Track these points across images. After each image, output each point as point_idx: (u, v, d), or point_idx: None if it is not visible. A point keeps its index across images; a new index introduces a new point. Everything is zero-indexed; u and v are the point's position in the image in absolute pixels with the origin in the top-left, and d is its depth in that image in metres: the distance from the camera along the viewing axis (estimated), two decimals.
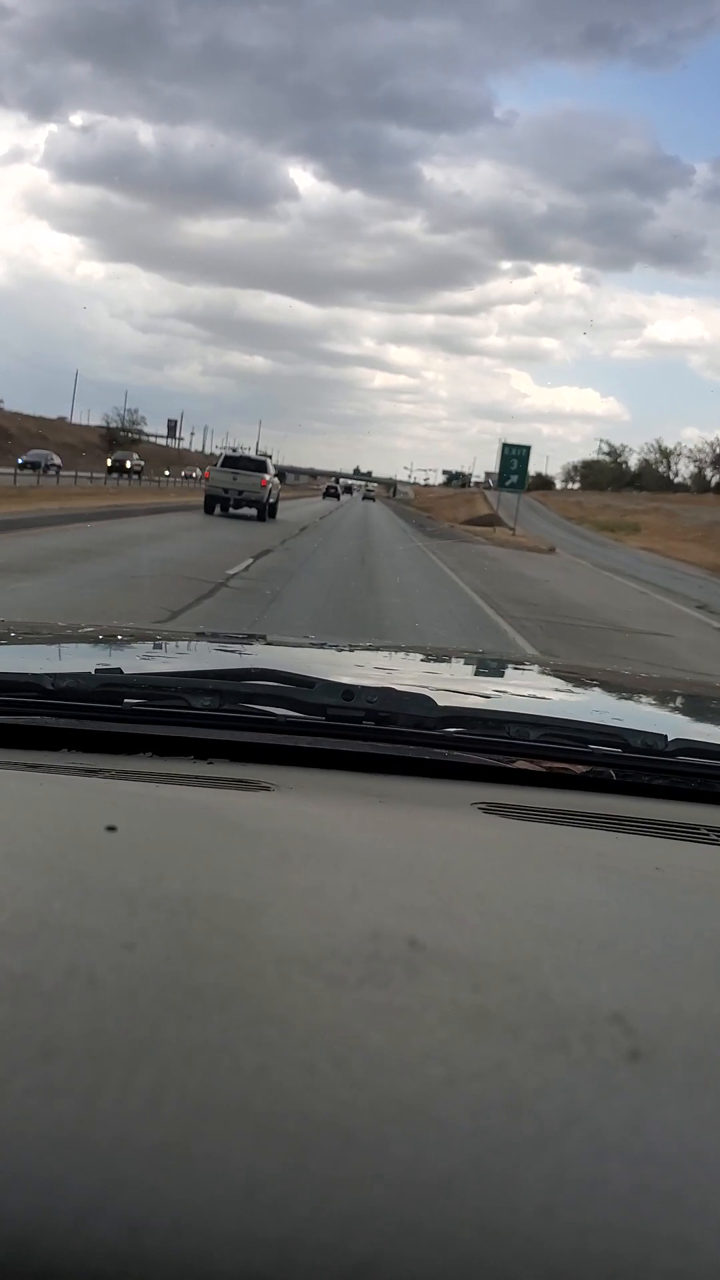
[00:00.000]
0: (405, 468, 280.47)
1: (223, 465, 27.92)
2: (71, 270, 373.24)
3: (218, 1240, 0.36)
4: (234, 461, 28.13)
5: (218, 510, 26.20)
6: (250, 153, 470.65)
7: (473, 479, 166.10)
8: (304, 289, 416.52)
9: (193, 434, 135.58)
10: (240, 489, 26.39)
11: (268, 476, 27.13)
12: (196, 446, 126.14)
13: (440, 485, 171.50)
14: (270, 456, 33.48)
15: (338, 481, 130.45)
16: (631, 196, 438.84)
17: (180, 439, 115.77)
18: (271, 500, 27.45)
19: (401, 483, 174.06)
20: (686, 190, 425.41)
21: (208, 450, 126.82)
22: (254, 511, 26.42)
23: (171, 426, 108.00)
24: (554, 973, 0.59)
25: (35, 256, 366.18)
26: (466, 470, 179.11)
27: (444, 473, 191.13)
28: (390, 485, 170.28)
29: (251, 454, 31.83)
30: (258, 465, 27.87)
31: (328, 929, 0.61)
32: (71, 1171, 0.38)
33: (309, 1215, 0.37)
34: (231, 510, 26.20)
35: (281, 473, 33.69)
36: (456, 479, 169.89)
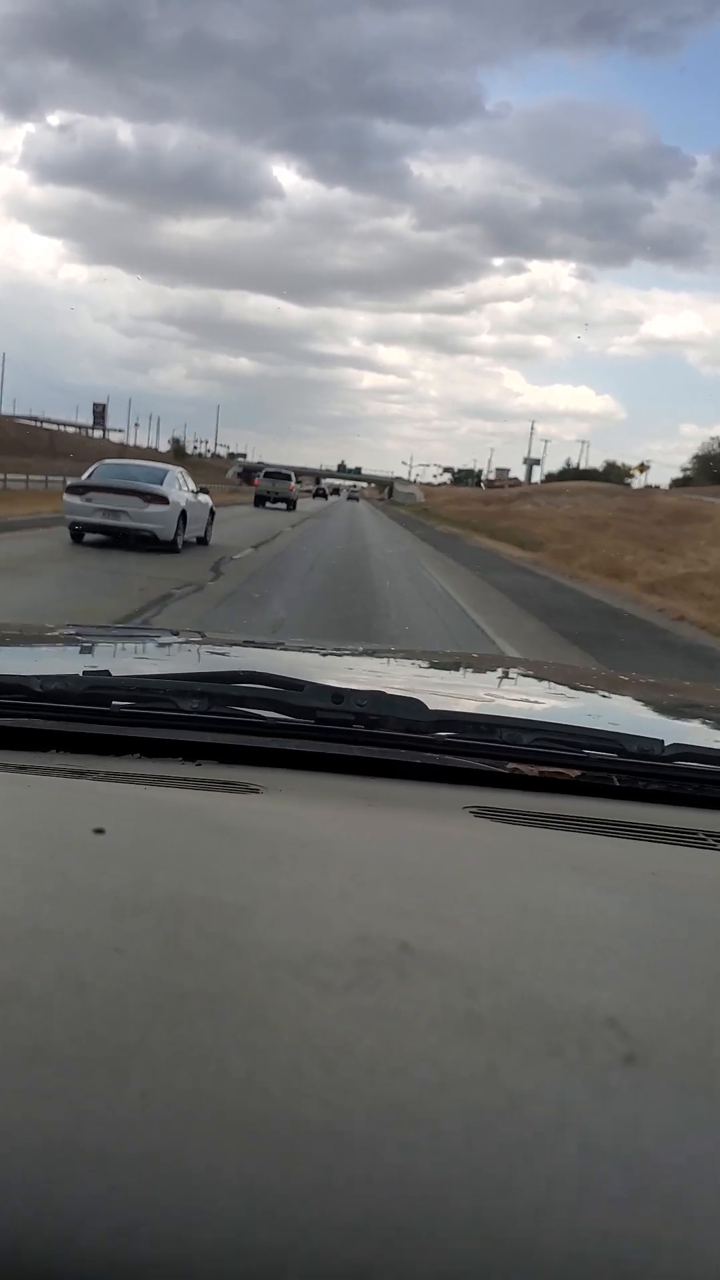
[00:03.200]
0: (404, 463, 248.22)
1: (265, 476, 45.31)
2: (54, 274, 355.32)
3: (209, 1246, 0.36)
4: (272, 475, 45.32)
5: (259, 505, 41.63)
6: (233, 150, 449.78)
7: (483, 476, 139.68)
8: (290, 289, 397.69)
9: (137, 425, 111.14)
10: (277, 491, 42.88)
11: (293, 483, 44.83)
12: (142, 441, 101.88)
13: (445, 485, 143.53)
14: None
15: (318, 482, 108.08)
16: (629, 189, 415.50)
17: (116, 430, 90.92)
18: (293, 498, 43.88)
19: (402, 480, 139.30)
20: (687, 182, 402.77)
21: (162, 447, 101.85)
22: (283, 505, 42.33)
23: (98, 413, 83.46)
24: (547, 977, 0.59)
25: (17, 261, 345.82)
26: (463, 467, 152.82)
27: (444, 469, 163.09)
28: (385, 485, 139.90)
29: (282, 467, 51.06)
30: (286, 477, 45.14)
31: (317, 933, 0.61)
32: (61, 1178, 0.38)
33: (300, 1221, 0.37)
34: (269, 505, 41.45)
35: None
36: (471, 477, 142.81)
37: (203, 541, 15.59)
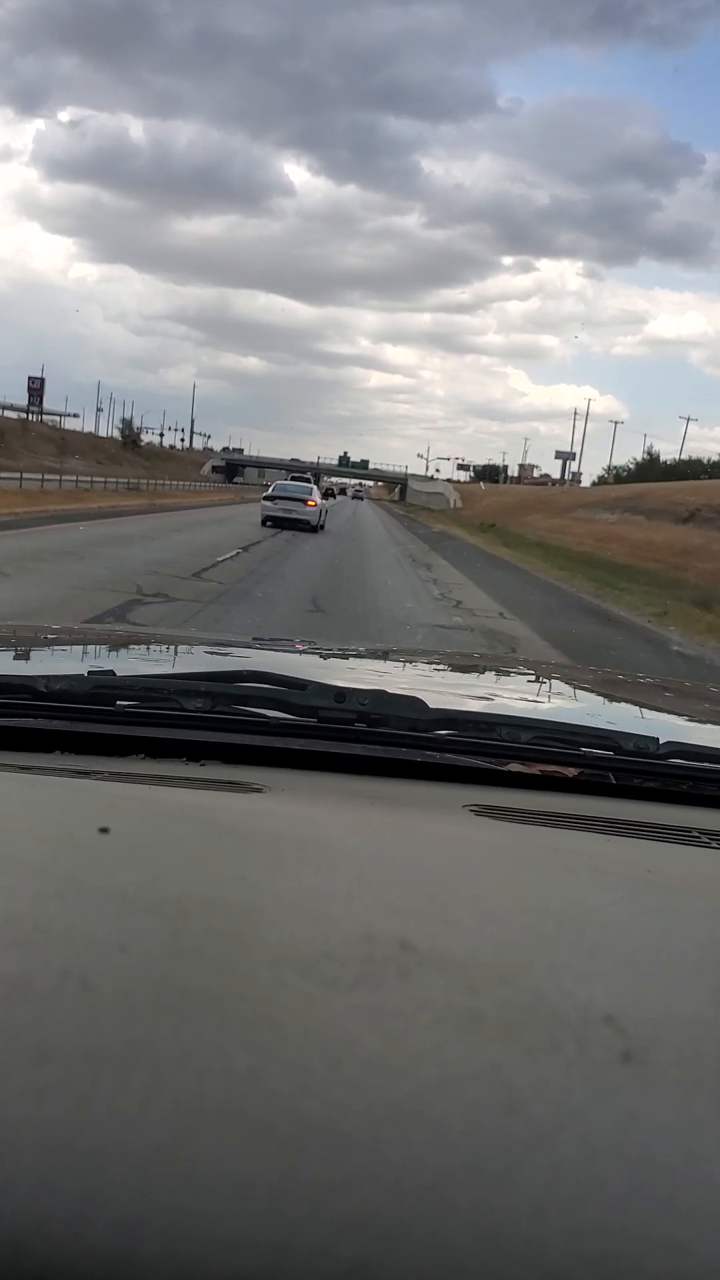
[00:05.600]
0: (420, 455, 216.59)
1: (291, 479, 53.01)
2: (64, 273, 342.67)
3: (211, 1243, 0.36)
4: (297, 479, 52.32)
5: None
6: (244, 147, 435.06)
7: (507, 473, 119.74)
8: (299, 288, 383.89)
9: (100, 410, 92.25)
10: None
11: (310, 484, 59.66)
12: (105, 430, 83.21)
13: (463, 483, 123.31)
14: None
15: (318, 480, 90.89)
16: (638, 187, 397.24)
17: (71, 415, 72.38)
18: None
19: (418, 478, 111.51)
20: (696, 180, 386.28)
21: (111, 432, 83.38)
22: None
23: (35, 389, 64.50)
24: (547, 975, 0.59)
25: (28, 259, 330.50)
26: (477, 464, 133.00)
27: (459, 466, 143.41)
28: (396, 483, 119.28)
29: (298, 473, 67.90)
30: (306, 479, 55.40)
31: (321, 931, 0.61)
32: (65, 1174, 0.38)
33: (302, 1217, 0.37)
34: None
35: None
36: (497, 473, 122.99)
37: (322, 528, 28.94)
